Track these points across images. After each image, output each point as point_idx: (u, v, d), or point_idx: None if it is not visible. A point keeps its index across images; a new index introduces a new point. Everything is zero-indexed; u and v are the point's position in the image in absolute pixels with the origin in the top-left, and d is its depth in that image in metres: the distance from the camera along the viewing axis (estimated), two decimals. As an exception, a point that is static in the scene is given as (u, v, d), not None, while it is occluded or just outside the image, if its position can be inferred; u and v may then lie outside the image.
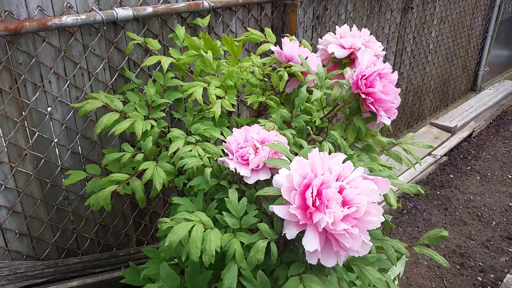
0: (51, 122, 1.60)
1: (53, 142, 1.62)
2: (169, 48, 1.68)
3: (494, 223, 2.97)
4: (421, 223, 2.96)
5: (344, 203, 1.01)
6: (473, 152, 3.92)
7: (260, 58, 1.70)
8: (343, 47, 1.67)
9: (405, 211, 3.09)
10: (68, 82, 1.59)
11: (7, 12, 1.37)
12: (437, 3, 3.60)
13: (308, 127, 1.49)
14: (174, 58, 1.60)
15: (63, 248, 1.78)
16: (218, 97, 1.51)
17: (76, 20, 1.48)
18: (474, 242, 2.79)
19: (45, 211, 1.68)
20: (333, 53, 1.67)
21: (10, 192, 1.56)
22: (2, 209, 1.56)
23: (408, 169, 3.48)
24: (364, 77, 1.40)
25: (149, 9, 1.64)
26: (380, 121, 1.45)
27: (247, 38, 1.73)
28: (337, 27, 1.73)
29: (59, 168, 1.66)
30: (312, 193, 1.00)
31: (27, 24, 1.38)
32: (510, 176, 3.54)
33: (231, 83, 1.51)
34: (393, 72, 1.44)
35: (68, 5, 1.50)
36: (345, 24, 1.74)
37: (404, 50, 3.47)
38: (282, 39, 1.68)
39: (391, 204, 1.30)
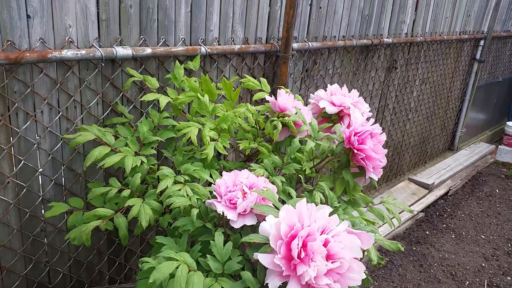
0: (38, 152, 1.60)
1: (38, 172, 1.61)
2: (167, 88, 1.74)
3: (468, 283, 3.00)
4: (397, 279, 2.97)
5: (328, 257, 1.02)
6: (449, 210, 4.00)
7: (253, 105, 1.76)
8: (334, 104, 1.77)
9: (381, 265, 3.10)
10: (60, 114, 1.60)
11: (9, 42, 1.40)
12: (420, 65, 3.79)
13: (300, 175, 1.53)
14: (172, 98, 1.64)
15: (33, 282, 1.72)
16: (212, 139, 1.54)
17: (76, 55, 1.52)
18: (447, 301, 2.80)
19: (20, 241, 1.64)
20: (324, 108, 1.75)
21: (-14, 220, 1.53)
22: (-24, 236, 1.52)
23: (385, 223, 3.52)
24: (358, 134, 1.49)
25: (148, 50, 1.69)
26: (369, 176, 1.52)
27: (244, 84, 1.80)
28: (328, 85, 1.82)
29: (40, 198, 1.64)
30: (298, 244, 1.01)
31: (28, 55, 1.41)
32: (483, 237, 3.62)
33: (225, 127, 1.56)
34: (381, 133, 1.53)
35: (70, 39, 1.54)
36: (335, 84, 1.85)
37: (386, 107, 3.60)
38: (278, 90, 1.75)
39: (371, 259, 1.32)
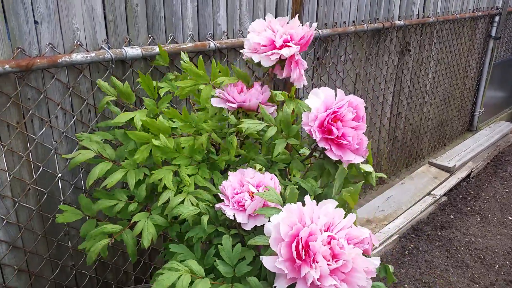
0: (55, 157, 1.60)
1: (57, 177, 1.62)
2: (144, 98, 1.58)
3: (497, 266, 2.93)
4: (423, 265, 2.92)
5: (334, 256, 0.97)
6: (472, 192, 3.92)
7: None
8: (267, 56, 1.37)
9: (406, 252, 3.05)
10: (74, 118, 1.61)
11: (19, 49, 1.40)
12: (433, 46, 3.71)
13: (282, 174, 1.46)
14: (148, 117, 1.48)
15: (61, 285, 1.74)
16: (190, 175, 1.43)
17: (85, 58, 1.52)
18: (477, 285, 2.74)
19: (45, 246, 1.66)
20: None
21: (11, 227, 1.54)
22: (3, 244, 1.53)
23: (408, 209, 3.47)
24: (317, 125, 1.24)
25: (157, 49, 1.68)
26: (350, 163, 1.29)
27: (181, 94, 1.49)
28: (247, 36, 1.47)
29: (61, 203, 1.65)
30: (298, 245, 0.96)
31: (38, 61, 1.41)
32: (510, 218, 3.53)
33: (199, 158, 1.43)
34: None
35: (79, 43, 1.54)
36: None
37: (402, 91, 3.54)
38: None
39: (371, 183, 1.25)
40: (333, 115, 1.23)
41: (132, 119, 1.48)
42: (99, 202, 1.44)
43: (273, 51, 1.35)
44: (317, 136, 1.24)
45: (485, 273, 2.86)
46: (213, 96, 1.47)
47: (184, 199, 1.34)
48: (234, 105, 1.42)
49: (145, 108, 1.56)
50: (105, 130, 1.61)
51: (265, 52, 1.36)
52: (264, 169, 1.39)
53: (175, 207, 1.30)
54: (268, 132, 1.35)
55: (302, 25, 1.39)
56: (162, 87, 1.60)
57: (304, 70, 1.57)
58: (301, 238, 0.97)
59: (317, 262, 0.95)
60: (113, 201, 1.44)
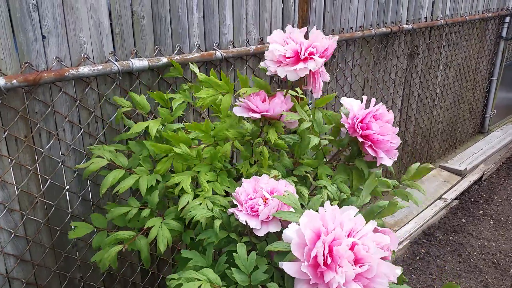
0: (63, 169, 1.61)
1: (65, 190, 1.62)
2: (158, 108, 1.61)
3: None
4: (435, 270, 2.88)
5: (356, 261, 0.98)
6: (484, 195, 3.86)
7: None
8: (295, 70, 1.41)
9: (418, 258, 3.01)
10: (82, 130, 1.61)
11: (27, 64, 1.41)
12: (443, 48, 3.67)
13: (308, 174, 1.48)
14: (162, 126, 1.56)
15: (70, 298, 1.74)
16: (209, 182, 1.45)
17: (92, 71, 1.52)
18: (491, 291, 2.69)
19: (53, 259, 1.66)
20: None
21: (19, 240, 1.55)
22: (11, 257, 1.54)
23: (419, 213, 3.43)
24: (359, 120, 1.39)
25: (164, 60, 1.68)
26: (381, 163, 1.42)
27: (203, 106, 1.48)
28: (275, 32, 1.47)
29: (69, 215, 1.65)
30: (323, 250, 0.97)
31: (45, 75, 1.41)
32: (524, 221, 3.47)
33: (220, 166, 1.46)
34: (388, 112, 1.43)
35: (86, 56, 1.54)
36: (288, 27, 1.45)
37: (411, 95, 3.50)
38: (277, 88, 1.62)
39: None
40: (371, 114, 1.40)
41: (147, 127, 1.53)
42: (112, 211, 1.45)
43: (300, 64, 1.36)
44: (358, 129, 1.39)
45: (499, 278, 2.81)
46: (234, 106, 1.50)
47: (201, 203, 1.36)
48: (258, 115, 1.44)
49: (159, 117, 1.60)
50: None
51: (289, 65, 1.37)
52: (280, 175, 1.40)
53: (190, 209, 1.30)
54: (302, 124, 1.46)
55: (316, 35, 1.39)
56: (175, 98, 1.63)
57: None
58: (325, 243, 0.97)
59: (341, 267, 0.96)
60: (125, 208, 1.45)
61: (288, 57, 1.37)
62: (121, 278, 1.88)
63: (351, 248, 0.99)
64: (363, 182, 1.49)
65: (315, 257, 0.98)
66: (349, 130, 1.43)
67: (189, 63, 1.77)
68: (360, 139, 1.39)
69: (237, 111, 1.46)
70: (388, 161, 1.42)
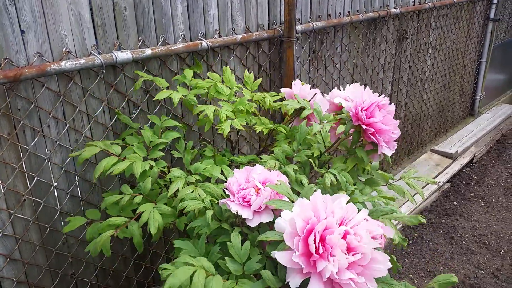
0: (50, 166, 1.58)
1: (52, 186, 1.60)
2: (176, 87, 1.73)
3: (503, 251, 2.92)
4: (428, 254, 2.91)
5: (349, 250, 0.98)
6: (475, 178, 3.89)
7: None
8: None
9: (410, 241, 3.04)
10: (67, 126, 1.58)
11: (6, 60, 1.37)
12: (431, 32, 3.66)
13: (310, 160, 1.49)
14: (183, 95, 1.65)
15: (62, 295, 1.73)
16: (228, 118, 1.58)
17: (75, 65, 1.49)
18: (483, 272, 2.73)
19: (44, 257, 1.64)
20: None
21: (8, 239, 1.53)
22: (0, 257, 1.52)
23: (413, 196, 3.44)
24: (364, 108, 1.43)
25: (148, 51, 1.65)
26: (382, 152, 1.46)
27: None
28: (347, 86, 1.71)
29: (58, 212, 1.63)
30: (315, 239, 0.96)
31: (26, 71, 1.38)
32: (514, 202, 3.51)
33: (242, 108, 1.59)
34: (390, 103, 1.46)
35: (67, 50, 1.51)
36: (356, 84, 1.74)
37: (400, 79, 3.50)
38: (280, 77, 1.70)
39: (393, 239, 1.27)
40: (376, 104, 1.43)
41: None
42: (106, 199, 1.46)
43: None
44: (363, 117, 1.41)
45: (490, 259, 2.85)
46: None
47: (193, 190, 1.36)
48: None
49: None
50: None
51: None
52: (277, 165, 1.41)
53: (180, 201, 1.30)
54: (304, 111, 1.59)
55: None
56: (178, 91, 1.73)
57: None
58: (317, 232, 0.97)
59: (334, 256, 0.95)
60: (118, 196, 1.46)
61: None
62: (114, 273, 1.87)
63: (344, 237, 0.99)
64: (359, 169, 1.52)
65: (307, 246, 0.97)
66: (352, 118, 1.46)
67: (196, 52, 1.85)
68: (364, 127, 1.43)
69: (283, 90, 1.82)
70: (388, 151, 1.47)
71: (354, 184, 1.54)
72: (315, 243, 0.96)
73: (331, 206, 1.04)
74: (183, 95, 1.64)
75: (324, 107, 1.64)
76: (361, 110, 1.43)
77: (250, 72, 1.93)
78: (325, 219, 0.99)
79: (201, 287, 1.01)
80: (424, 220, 1.36)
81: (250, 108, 1.66)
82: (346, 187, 1.43)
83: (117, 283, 1.89)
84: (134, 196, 1.46)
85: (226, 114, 1.58)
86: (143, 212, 1.38)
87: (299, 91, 1.75)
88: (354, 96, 1.65)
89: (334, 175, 1.41)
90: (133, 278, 1.96)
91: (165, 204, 1.44)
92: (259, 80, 1.85)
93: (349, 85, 1.67)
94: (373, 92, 1.52)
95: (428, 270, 2.77)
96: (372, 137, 1.43)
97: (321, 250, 0.96)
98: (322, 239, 0.98)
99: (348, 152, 1.57)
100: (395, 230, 1.33)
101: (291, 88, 1.80)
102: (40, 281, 1.65)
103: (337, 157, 1.56)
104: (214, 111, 1.58)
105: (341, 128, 1.53)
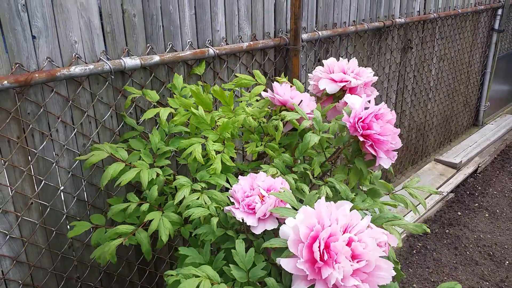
0: (57, 170, 1.60)
1: (59, 190, 1.62)
2: (168, 98, 1.67)
3: (507, 262, 2.90)
4: (432, 264, 2.90)
5: (354, 257, 0.98)
6: (479, 188, 3.88)
7: (256, 101, 1.72)
8: (334, 81, 1.66)
9: (414, 251, 3.03)
10: (75, 130, 1.60)
11: (17, 65, 1.40)
12: (436, 42, 3.67)
13: (308, 172, 1.48)
14: (174, 109, 1.61)
15: (67, 298, 1.74)
16: (217, 152, 1.50)
17: (84, 70, 1.51)
18: (487, 283, 2.71)
19: (50, 260, 1.66)
20: (325, 88, 1.66)
21: (14, 242, 1.54)
22: (6, 259, 1.53)
23: (415, 206, 3.44)
24: (361, 120, 1.40)
25: (156, 58, 1.68)
26: (379, 163, 1.43)
27: (237, 83, 1.74)
28: (324, 60, 1.72)
29: (64, 216, 1.65)
30: (319, 246, 0.97)
31: (37, 75, 1.41)
32: (519, 213, 3.49)
33: (228, 135, 1.52)
34: (390, 112, 1.44)
35: (77, 55, 1.53)
36: (331, 58, 1.72)
37: (405, 89, 3.51)
38: (273, 83, 1.67)
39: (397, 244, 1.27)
40: (373, 114, 1.40)
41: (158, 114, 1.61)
42: (112, 208, 1.47)
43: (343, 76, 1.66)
44: (359, 129, 1.39)
45: (495, 270, 2.83)
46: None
47: (198, 197, 1.37)
48: (281, 98, 1.62)
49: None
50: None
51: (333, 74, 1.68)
52: (278, 173, 1.41)
53: (187, 208, 1.31)
54: (303, 123, 1.52)
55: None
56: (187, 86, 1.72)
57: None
58: (322, 239, 0.97)
59: (339, 262, 0.96)
60: (125, 204, 1.47)
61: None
62: (119, 277, 1.87)
63: (348, 244, 0.99)
64: (360, 181, 1.51)
65: (312, 253, 0.98)
66: (350, 129, 1.44)
67: (202, 59, 1.84)
68: (361, 138, 1.40)
69: (264, 94, 1.68)
70: (387, 162, 1.44)
71: (355, 195, 1.53)
72: (319, 250, 0.97)
73: (335, 213, 1.05)
74: (173, 109, 1.61)
75: (311, 106, 1.60)
76: (357, 122, 1.40)
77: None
78: (330, 226, 1.00)
79: (207, 298, 1.01)
80: (428, 230, 1.36)
81: (235, 130, 1.57)
82: (346, 195, 1.42)
83: (121, 287, 1.90)
84: (140, 204, 1.47)
85: (215, 150, 1.49)
86: (151, 220, 1.38)
87: (283, 95, 1.63)
88: (338, 77, 1.65)
89: (333, 187, 1.41)
90: (137, 283, 1.96)
91: (173, 211, 1.45)
92: (232, 94, 1.64)
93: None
94: (378, 102, 1.51)
95: (432, 280, 2.76)
96: (370, 148, 1.41)
97: (325, 257, 0.97)
98: (327, 246, 0.98)
99: (348, 162, 1.56)
100: (399, 236, 1.33)
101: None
102: (46, 284, 1.66)
103: (339, 166, 1.56)
104: (203, 150, 1.51)
105: (339, 140, 1.52)
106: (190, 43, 1.84)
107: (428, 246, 3.08)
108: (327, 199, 1.31)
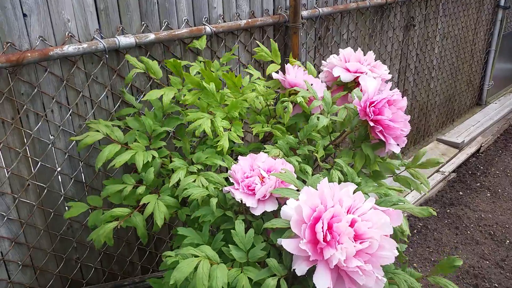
0: (53, 151, 1.59)
1: (56, 171, 1.60)
2: (169, 76, 1.64)
3: (508, 241, 2.90)
4: (432, 243, 2.90)
5: (356, 237, 0.97)
6: (481, 168, 3.86)
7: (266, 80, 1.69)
8: (349, 71, 1.66)
9: (415, 231, 3.03)
10: (70, 111, 1.58)
11: (8, 44, 1.37)
12: (439, 19, 3.60)
13: (315, 153, 1.46)
14: (178, 90, 1.58)
15: (67, 279, 1.74)
16: (225, 129, 1.48)
17: (78, 49, 1.48)
18: (488, 262, 2.71)
19: (49, 241, 1.66)
20: (338, 76, 1.65)
21: (13, 223, 1.54)
22: (5, 240, 1.53)
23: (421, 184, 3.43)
24: (373, 104, 1.37)
25: (151, 36, 1.64)
26: (389, 149, 1.42)
27: (257, 55, 1.75)
28: (340, 49, 1.72)
29: (62, 197, 1.64)
30: (322, 227, 0.96)
31: (29, 55, 1.38)
32: (521, 192, 3.48)
33: (236, 114, 1.49)
34: (402, 99, 1.41)
35: (70, 34, 1.50)
36: (348, 47, 1.73)
37: (407, 67, 3.45)
38: (285, 64, 1.66)
39: (403, 230, 1.25)
40: (386, 99, 1.36)
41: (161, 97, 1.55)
42: (107, 188, 1.45)
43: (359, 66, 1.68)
44: (371, 114, 1.35)
45: (495, 249, 2.83)
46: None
47: (195, 179, 1.34)
48: (292, 82, 1.62)
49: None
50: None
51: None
52: (281, 155, 1.39)
53: (185, 189, 1.29)
54: (314, 102, 1.49)
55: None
56: (193, 65, 1.68)
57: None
58: (324, 220, 0.96)
59: (342, 243, 0.95)
60: (120, 186, 1.45)
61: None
62: (119, 258, 1.88)
63: (351, 225, 0.98)
64: (365, 165, 1.48)
65: (314, 233, 0.97)
66: (360, 113, 1.41)
67: (199, 37, 1.79)
68: (371, 124, 1.37)
69: (275, 75, 1.68)
70: (396, 148, 1.42)
71: (358, 177, 1.51)
72: (322, 231, 0.96)
73: (338, 194, 1.03)
74: (177, 90, 1.57)
75: (321, 91, 1.59)
76: (369, 106, 1.37)
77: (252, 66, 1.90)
78: (333, 207, 0.99)
79: (206, 278, 1.00)
80: (434, 213, 1.34)
81: (243, 110, 1.54)
82: (352, 178, 1.40)
83: (121, 267, 1.91)
84: (136, 186, 1.45)
85: (223, 127, 1.46)
86: (146, 203, 1.37)
87: (294, 78, 1.63)
88: (354, 67, 1.62)
89: (340, 170, 1.39)
90: (137, 263, 1.97)
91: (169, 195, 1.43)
92: (240, 76, 1.59)
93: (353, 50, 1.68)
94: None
95: (433, 259, 2.76)
96: (380, 134, 1.39)
97: (328, 237, 0.95)
98: (330, 227, 0.97)
99: (353, 145, 1.53)
100: (405, 221, 1.30)
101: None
102: (45, 265, 1.66)
103: (344, 150, 1.53)
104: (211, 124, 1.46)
105: (347, 123, 1.50)
106: (186, 20, 1.80)
107: (429, 226, 3.08)
108: (330, 181, 1.29)
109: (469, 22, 4.08)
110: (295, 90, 1.59)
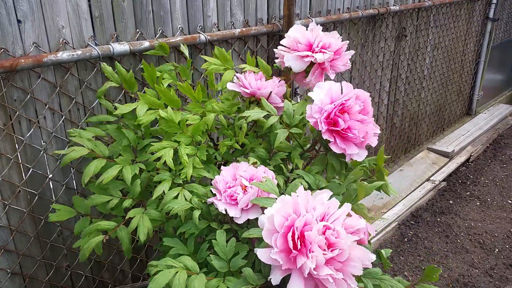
0: (45, 158, 1.58)
1: (48, 178, 1.59)
2: (139, 94, 1.53)
3: (497, 250, 2.93)
4: (423, 252, 2.91)
5: (329, 245, 0.96)
6: (471, 177, 3.90)
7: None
8: (300, 57, 1.49)
9: (405, 239, 3.04)
10: (63, 117, 1.57)
11: (2, 50, 1.36)
12: (430, 30, 3.65)
13: (282, 165, 1.45)
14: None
15: (57, 286, 1.72)
16: (190, 156, 1.43)
17: (72, 56, 1.48)
18: (477, 270, 2.74)
19: (39, 248, 1.64)
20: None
21: (2, 231, 1.52)
22: (-6, 248, 1.52)
23: (407, 195, 3.45)
24: (324, 117, 1.25)
25: (146, 44, 1.64)
26: (351, 158, 1.31)
27: (207, 70, 1.60)
28: (287, 33, 1.54)
29: (53, 204, 1.62)
30: (293, 235, 0.95)
31: (23, 61, 1.37)
32: (510, 202, 3.52)
33: (200, 138, 1.45)
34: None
35: (64, 40, 1.50)
36: (295, 26, 1.54)
37: (399, 77, 3.49)
38: (239, 74, 1.57)
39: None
40: (340, 107, 1.25)
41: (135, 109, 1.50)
42: (92, 197, 1.42)
43: (307, 53, 1.47)
44: (322, 127, 1.25)
45: (484, 257, 2.86)
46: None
47: (178, 193, 1.33)
48: (248, 91, 1.51)
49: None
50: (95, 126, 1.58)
51: (299, 52, 1.47)
52: (258, 162, 1.38)
53: (167, 203, 1.28)
54: (269, 120, 1.39)
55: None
56: (165, 78, 1.61)
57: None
58: (296, 228, 0.96)
59: (312, 252, 0.95)
60: (107, 197, 1.43)
61: (300, 43, 1.48)
62: (109, 266, 1.86)
63: (323, 233, 0.98)
64: (337, 174, 1.43)
65: (286, 242, 0.97)
66: (314, 126, 1.29)
67: (181, 44, 1.72)
68: (325, 136, 1.26)
69: (230, 86, 1.54)
70: (360, 155, 1.30)
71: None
72: (293, 239, 0.96)
73: (312, 203, 1.03)
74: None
75: (281, 92, 1.51)
76: (320, 118, 1.25)
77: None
78: (305, 215, 0.99)
79: (182, 288, 1.00)
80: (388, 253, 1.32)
81: (206, 128, 1.46)
82: (317, 185, 1.36)
83: (112, 275, 1.89)
84: (123, 199, 1.43)
85: (187, 154, 1.39)
86: (132, 217, 1.36)
87: (251, 87, 1.51)
88: (303, 53, 1.47)
89: (304, 178, 1.34)
90: (128, 271, 1.95)
91: (156, 206, 1.42)
92: (199, 88, 1.52)
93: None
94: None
95: (423, 268, 2.78)
96: (333, 148, 1.27)
97: (299, 246, 0.95)
98: (302, 235, 0.97)
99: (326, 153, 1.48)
100: (367, 218, 1.26)
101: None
102: (35, 273, 1.64)
103: (317, 159, 1.46)
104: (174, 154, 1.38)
105: (310, 135, 1.45)
106: (180, 28, 1.81)
107: (419, 234, 3.10)
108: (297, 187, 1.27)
109: (459, 33, 4.15)
110: (254, 99, 1.54)
